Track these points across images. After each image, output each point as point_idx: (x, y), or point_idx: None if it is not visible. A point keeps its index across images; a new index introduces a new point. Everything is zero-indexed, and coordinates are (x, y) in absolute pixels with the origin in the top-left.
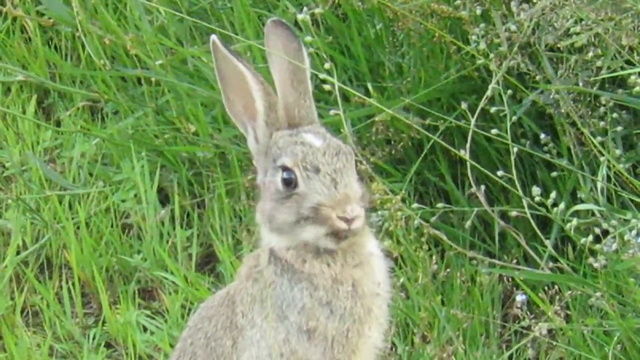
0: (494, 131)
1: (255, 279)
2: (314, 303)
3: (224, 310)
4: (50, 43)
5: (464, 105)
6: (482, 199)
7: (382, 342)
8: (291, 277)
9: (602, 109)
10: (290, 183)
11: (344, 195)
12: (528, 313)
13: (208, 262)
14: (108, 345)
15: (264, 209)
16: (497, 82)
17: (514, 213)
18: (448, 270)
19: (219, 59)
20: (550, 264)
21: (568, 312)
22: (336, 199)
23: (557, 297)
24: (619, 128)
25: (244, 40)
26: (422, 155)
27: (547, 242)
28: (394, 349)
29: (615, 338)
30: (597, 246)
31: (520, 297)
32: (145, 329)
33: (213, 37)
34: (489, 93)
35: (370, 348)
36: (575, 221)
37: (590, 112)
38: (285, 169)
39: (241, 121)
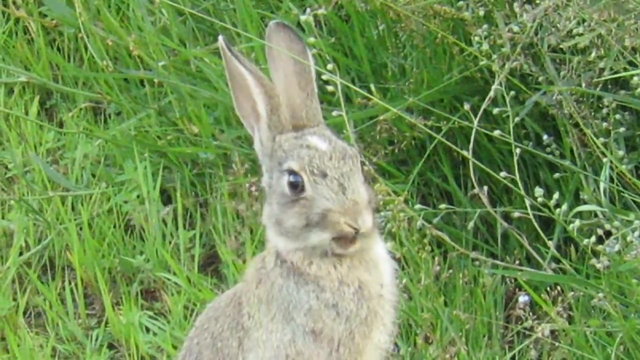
0: (497, 132)
1: (262, 281)
2: (320, 305)
3: (231, 311)
4: (52, 44)
5: (466, 106)
6: (484, 200)
7: (387, 344)
8: (297, 280)
9: (604, 110)
10: (296, 187)
11: (353, 202)
12: (531, 314)
13: (211, 263)
14: (111, 346)
15: (272, 212)
16: (500, 83)
17: (516, 214)
18: (451, 271)
19: (227, 59)
20: (553, 265)
21: (571, 313)
22: (345, 205)
23: (560, 298)
24: (622, 129)
25: (250, 36)
26: (425, 156)
27: (550, 243)
28: (396, 349)
29: (618, 339)
30: (600, 247)
31: (522, 298)
32: (147, 330)
33: (220, 38)
34: (491, 94)
35: (376, 350)
36: (578, 222)
37: (593, 113)
38: (291, 172)
39: (248, 122)
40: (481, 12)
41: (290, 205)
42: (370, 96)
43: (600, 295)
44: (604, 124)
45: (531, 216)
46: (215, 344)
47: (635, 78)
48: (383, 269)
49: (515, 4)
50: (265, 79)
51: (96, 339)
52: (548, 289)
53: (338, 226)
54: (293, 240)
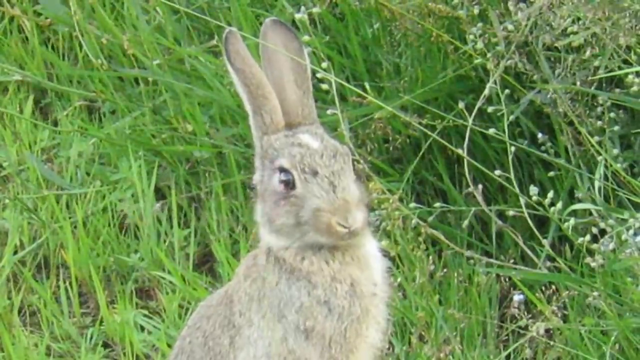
0: (492, 130)
1: (253, 278)
2: (312, 302)
3: (222, 309)
4: (47, 43)
5: (461, 105)
6: (479, 198)
7: (381, 342)
8: (289, 276)
9: (599, 109)
10: (287, 184)
11: (343, 201)
12: (525, 313)
13: (205, 262)
14: (105, 345)
15: (263, 210)
16: (495, 82)
17: (511, 212)
18: (445, 269)
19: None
20: (548, 264)
21: (565, 311)
22: (335, 204)
23: (555, 296)
24: (616, 127)
25: (245, 35)
26: (420, 154)
27: (545, 242)
28: (391, 348)
29: (613, 338)
30: (595, 245)
31: (517, 297)
32: (142, 329)
33: (226, 32)
34: (486, 92)
35: (369, 348)
36: (572, 221)
37: (587, 112)
38: (282, 170)
39: None
40: (476, 11)
41: (281, 203)
42: (365, 94)
43: (595, 293)
44: (599, 123)
45: (526, 215)
46: (207, 342)
47: (630, 76)
48: (375, 267)
49: (510, 3)
50: (256, 79)
51: (91, 338)
52: (543, 287)
53: (331, 228)
54: (286, 237)
